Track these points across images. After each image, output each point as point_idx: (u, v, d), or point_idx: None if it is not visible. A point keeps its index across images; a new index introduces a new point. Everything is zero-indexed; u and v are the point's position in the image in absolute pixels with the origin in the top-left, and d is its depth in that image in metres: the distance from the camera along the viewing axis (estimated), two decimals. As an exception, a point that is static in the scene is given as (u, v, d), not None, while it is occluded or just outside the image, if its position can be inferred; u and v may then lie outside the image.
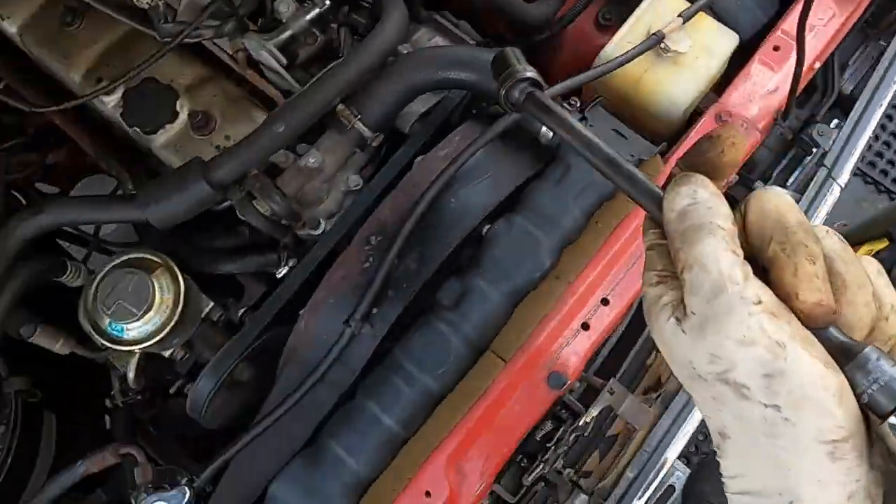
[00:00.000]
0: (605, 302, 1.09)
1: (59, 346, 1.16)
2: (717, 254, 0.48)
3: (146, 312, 1.06)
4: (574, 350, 1.06)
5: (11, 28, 1.35)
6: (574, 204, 1.08)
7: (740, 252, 0.49)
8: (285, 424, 1.05)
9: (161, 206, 1.06)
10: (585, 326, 1.08)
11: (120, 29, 1.32)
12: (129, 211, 1.08)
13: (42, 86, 1.40)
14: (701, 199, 0.51)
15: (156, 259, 1.10)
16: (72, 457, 1.32)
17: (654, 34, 1.18)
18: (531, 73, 0.84)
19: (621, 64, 1.16)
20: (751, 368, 0.47)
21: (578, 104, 1.14)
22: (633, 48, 1.18)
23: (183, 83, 1.27)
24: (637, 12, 1.27)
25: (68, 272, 1.16)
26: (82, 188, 1.57)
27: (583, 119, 1.13)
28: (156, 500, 0.96)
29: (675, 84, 1.21)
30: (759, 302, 0.47)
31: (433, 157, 1.15)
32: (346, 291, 1.07)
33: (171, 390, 1.21)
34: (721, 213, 0.50)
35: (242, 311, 1.23)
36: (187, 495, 0.96)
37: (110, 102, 1.27)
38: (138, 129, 1.23)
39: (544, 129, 1.13)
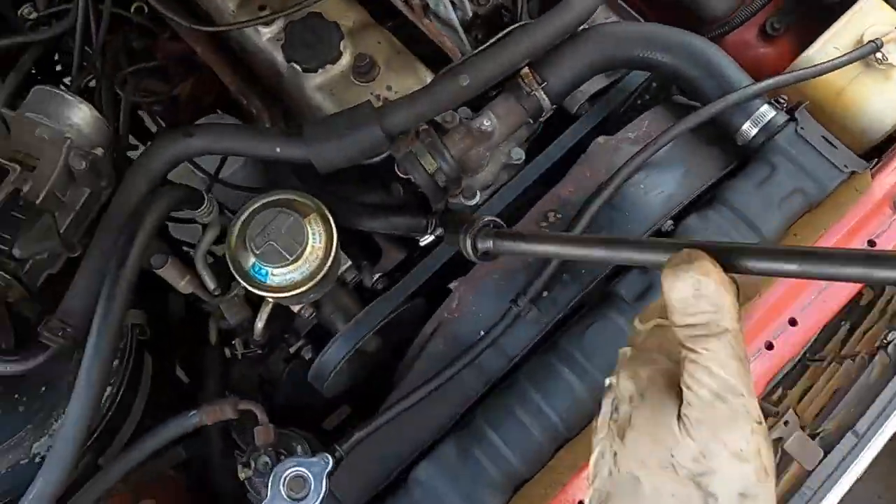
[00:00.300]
0: (792, 322, 0.98)
1: (184, 284, 1.07)
2: (724, 360, 0.47)
3: (297, 259, 0.96)
4: (754, 369, 0.96)
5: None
6: (777, 210, 0.98)
7: (744, 356, 0.48)
8: (425, 405, 0.95)
9: (328, 147, 0.97)
10: (770, 346, 0.97)
11: (280, -40, 1.24)
12: (292, 147, 0.98)
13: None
14: (706, 292, 0.47)
15: (309, 203, 1.00)
16: (160, 404, 1.24)
17: (871, 42, 1.09)
18: (489, 216, 0.90)
19: (834, 68, 1.07)
20: (731, 482, 0.47)
21: (786, 104, 1.04)
22: (846, 54, 1.09)
23: (346, 25, 1.17)
24: (843, 18, 1.16)
25: (204, 206, 1.07)
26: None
27: (791, 120, 1.03)
28: (294, 466, 0.85)
29: (884, 99, 1.10)
30: (761, 423, 0.47)
31: (621, 139, 1.05)
32: (516, 269, 0.98)
33: (292, 350, 1.12)
34: (727, 311, 0.48)
35: (377, 276, 1.14)
36: (330, 464, 0.86)
37: (266, 34, 1.18)
38: (296, 66, 1.14)
39: (744, 127, 1.03)
